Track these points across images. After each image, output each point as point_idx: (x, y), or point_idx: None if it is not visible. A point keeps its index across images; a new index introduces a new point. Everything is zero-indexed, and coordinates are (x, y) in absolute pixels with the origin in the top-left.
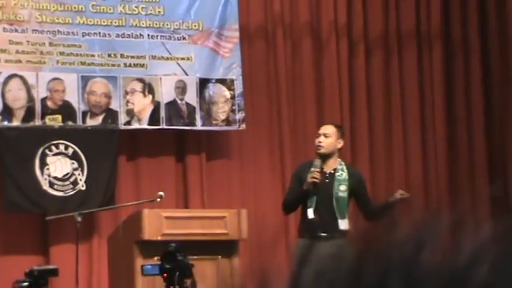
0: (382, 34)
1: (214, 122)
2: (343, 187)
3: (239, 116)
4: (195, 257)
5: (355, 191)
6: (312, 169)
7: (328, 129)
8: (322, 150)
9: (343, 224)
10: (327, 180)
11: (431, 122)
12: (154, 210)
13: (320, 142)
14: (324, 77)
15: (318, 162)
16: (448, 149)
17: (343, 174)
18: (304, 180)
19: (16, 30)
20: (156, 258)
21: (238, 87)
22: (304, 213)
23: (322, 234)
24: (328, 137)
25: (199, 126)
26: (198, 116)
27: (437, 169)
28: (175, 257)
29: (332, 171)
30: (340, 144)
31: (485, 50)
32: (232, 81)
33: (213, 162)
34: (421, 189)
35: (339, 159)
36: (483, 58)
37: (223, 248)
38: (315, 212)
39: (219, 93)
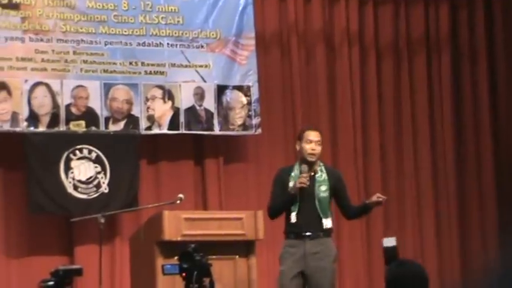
0: (393, 40)
1: (231, 127)
2: (323, 187)
3: (255, 121)
4: (213, 256)
5: (335, 190)
6: (302, 174)
7: (319, 136)
8: (314, 159)
9: (327, 223)
10: (309, 183)
11: (440, 124)
12: (174, 211)
13: (314, 150)
14: (336, 82)
15: (305, 168)
16: (455, 149)
17: (322, 175)
18: (287, 185)
19: (41, 40)
20: (176, 258)
21: (255, 93)
22: (288, 216)
23: (307, 233)
24: (319, 145)
25: (217, 131)
26: (215, 121)
27: (446, 167)
28: (193, 257)
29: (312, 174)
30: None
31: (491, 55)
32: (248, 87)
33: (230, 165)
34: (429, 187)
35: (318, 161)
36: (490, 63)
37: (240, 248)
38: (297, 215)
39: (236, 99)
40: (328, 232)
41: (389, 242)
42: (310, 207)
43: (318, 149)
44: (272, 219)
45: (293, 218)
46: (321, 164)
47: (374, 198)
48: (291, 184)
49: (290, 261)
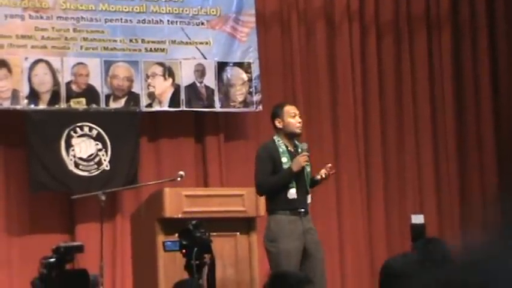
0: (393, 18)
1: (232, 104)
2: (307, 162)
3: (256, 98)
4: (214, 233)
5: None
6: (304, 153)
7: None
8: (300, 130)
9: (310, 198)
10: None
11: (440, 102)
12: (175, 189)
13: (300, 122)
14: (336, 60)
15: (305, 146)
16: (456, 127)
17: (303, 150)
18: (278, 161)
19: (41, 17)
20: (177, 235)
21: (255, 70)
22: (281, 193)
23: (302, 210)
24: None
25: (217, 108)
26: (216, 98)
27: (447, 145)
28: (192, 234)
29: (294, 148)
30: None
31: (492, 32)
32: (249, 64)
33: (231, 142)
34: (430, 163)
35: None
36: (491, 40)
37: (241, 224)
38: (297, 191)
39: (236, 76)
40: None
41: (418, 219)
42: (302, 182)
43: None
44: (261, 195)
45: (293, 193)
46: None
47: (322, 171)
48: (284, 160)
49: (293, 238)
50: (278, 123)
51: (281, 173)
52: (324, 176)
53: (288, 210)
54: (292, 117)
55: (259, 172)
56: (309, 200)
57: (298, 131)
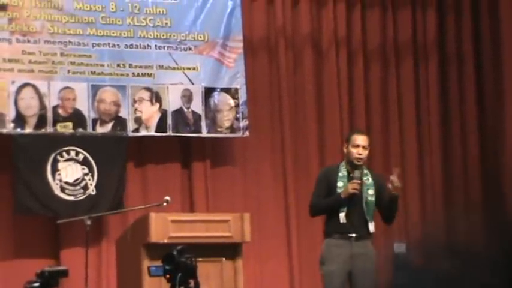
0: (380, 45)
1: (219, 130)
2: (371, 191)
3: (243, 123)
4: (200, 259)
5: (378, 194)
6: (354, 180)
7: (366, 140)
8: (361, 163)
9: (372, 227)
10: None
11: (427, 129)
12: (161, 214)
13: (360, 154)
14: (324, 86)
15: (358, 173)
16: (443, 156)
17: (369, 179)
18: (333, 185)
19: (29, 41)
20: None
21: (242, 95)
22: (333, 217)
23: (354, 234)
24: (366, 149)
25: (204, 133)
26: (203, 124)
27: (433, 176)
28: (176, 259)
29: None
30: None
31: (478, 61)
32: (236, 90)
33: (217, 168)
34: (416, 194)
35: (364, 165)
36: (476, 69)
37: (227, 250)
38: (346, 216)
39: (223, 101)
40: (371, 236)
41: (400, 248)
42: (358, 209)
43: (365, 153)
44: (313, 217)
45: (342, 218)
46: (365, 167)
47: (390, 186)
48: (339, 184)
49: (338, 261)
50: (344, 149)
51: (331, 198)
52: (392, 190)
53: (337, 233)
54: (354, 147)
55: (314, 194)
56: (371, 228)
57: (356, 162)
